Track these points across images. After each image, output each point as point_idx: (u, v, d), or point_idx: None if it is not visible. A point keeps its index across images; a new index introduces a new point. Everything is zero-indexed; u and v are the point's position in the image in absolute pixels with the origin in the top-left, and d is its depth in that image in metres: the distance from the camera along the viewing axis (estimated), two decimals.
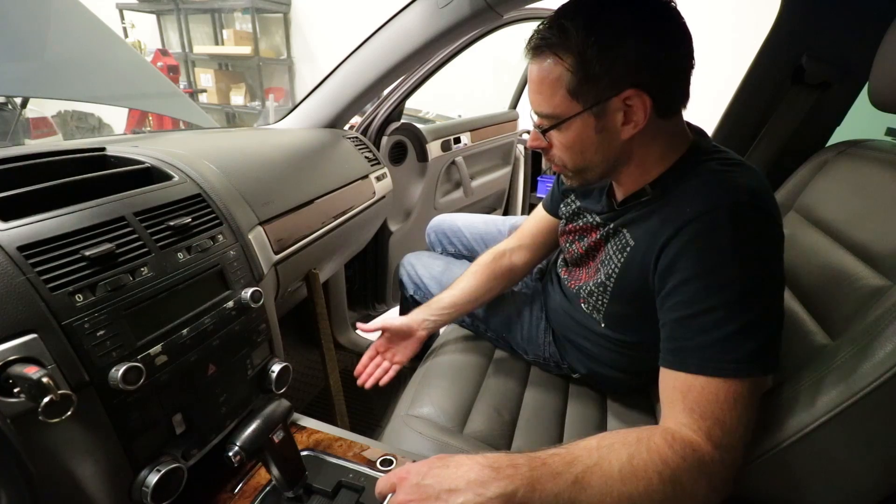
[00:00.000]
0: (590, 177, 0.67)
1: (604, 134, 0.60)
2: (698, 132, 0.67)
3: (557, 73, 0.58)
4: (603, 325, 0.76)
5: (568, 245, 0.84)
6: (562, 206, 0.87)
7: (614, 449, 0.49)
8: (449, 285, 0.97)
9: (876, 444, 0.48)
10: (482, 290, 0.94)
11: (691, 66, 0.59)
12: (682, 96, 0.61)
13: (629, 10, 0.56)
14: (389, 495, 0.50)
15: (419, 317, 0.94)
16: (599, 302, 0.74)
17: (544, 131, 0.63)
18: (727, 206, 0.55)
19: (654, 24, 0.57)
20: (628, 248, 0.66)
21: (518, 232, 1.02)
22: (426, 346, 1.07)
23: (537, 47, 0.59)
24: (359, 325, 0.95)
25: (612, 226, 0.71)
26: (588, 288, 0.76)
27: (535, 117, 0.64)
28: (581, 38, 0.55)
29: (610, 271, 0.70)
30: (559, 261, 0.92)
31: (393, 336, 0.94)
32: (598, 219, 0.75)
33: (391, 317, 0.96)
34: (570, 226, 0.83)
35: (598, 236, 0.74)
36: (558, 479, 0.47)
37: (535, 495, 0.46)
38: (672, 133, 0.63)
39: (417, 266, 1.14)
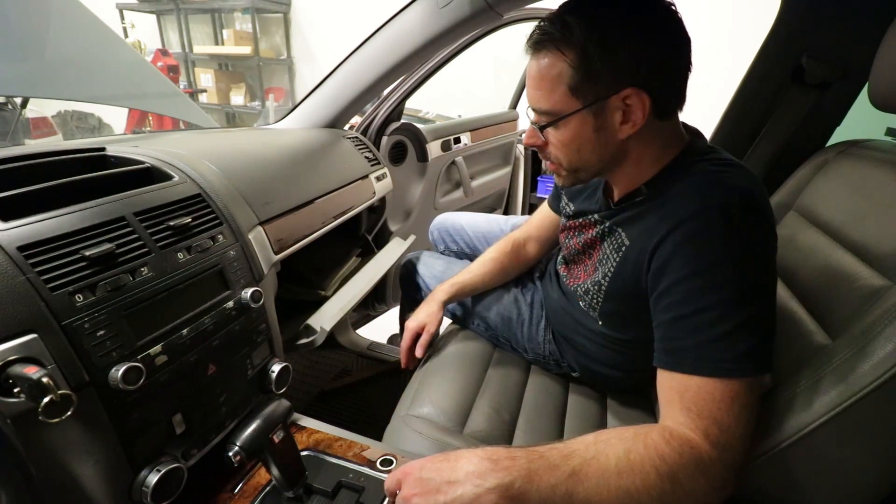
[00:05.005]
0: (583, 176, 0.67)
1: (601, 133, 0.60)
2: (693, 132, 0.68)
3: (559, 68, 0.58)
4: (600, 323, 0.77)
5: (566, 241, 0.85)
6: (561, 203, 0.88)
7: (611, 444, 0.50)
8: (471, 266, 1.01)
9: (875, 444, 0.48)
10: (501, 277, 1.00)
11: (689, 70, 0.60)
12: (680, 99, 0.61)
13: (632, 9, 0.56)
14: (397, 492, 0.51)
15: (441, 297, 0.97)
16: (595, 300, 0.75)
17: (542, 128, 0.63)
18: (719, 206, 0.55)
19: (656, 24, 0.57)
20: (623, 248, 0.67)
21: (527, 225, 1.05)
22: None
23: (539, 42, 0.59)
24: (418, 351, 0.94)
25: (608, 224, 0.72)
26: (585, 286, 0.77)
27: (532, 114, 0.64)
28: (584, 33, 0.55)
29: (606, 270, 0.70)
30: (558, 258, 0.93)
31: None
32: (595, 217, 0.76)
33: (426, 320, 0.95)
34: (571, 222, 0.84)
35: (595, 233, 0.75)
36: (555, 471, 0.47)
37: (532, 487, 0.46)
38: (668, 134, 0.64)
39: (418, 266, 1.14)
